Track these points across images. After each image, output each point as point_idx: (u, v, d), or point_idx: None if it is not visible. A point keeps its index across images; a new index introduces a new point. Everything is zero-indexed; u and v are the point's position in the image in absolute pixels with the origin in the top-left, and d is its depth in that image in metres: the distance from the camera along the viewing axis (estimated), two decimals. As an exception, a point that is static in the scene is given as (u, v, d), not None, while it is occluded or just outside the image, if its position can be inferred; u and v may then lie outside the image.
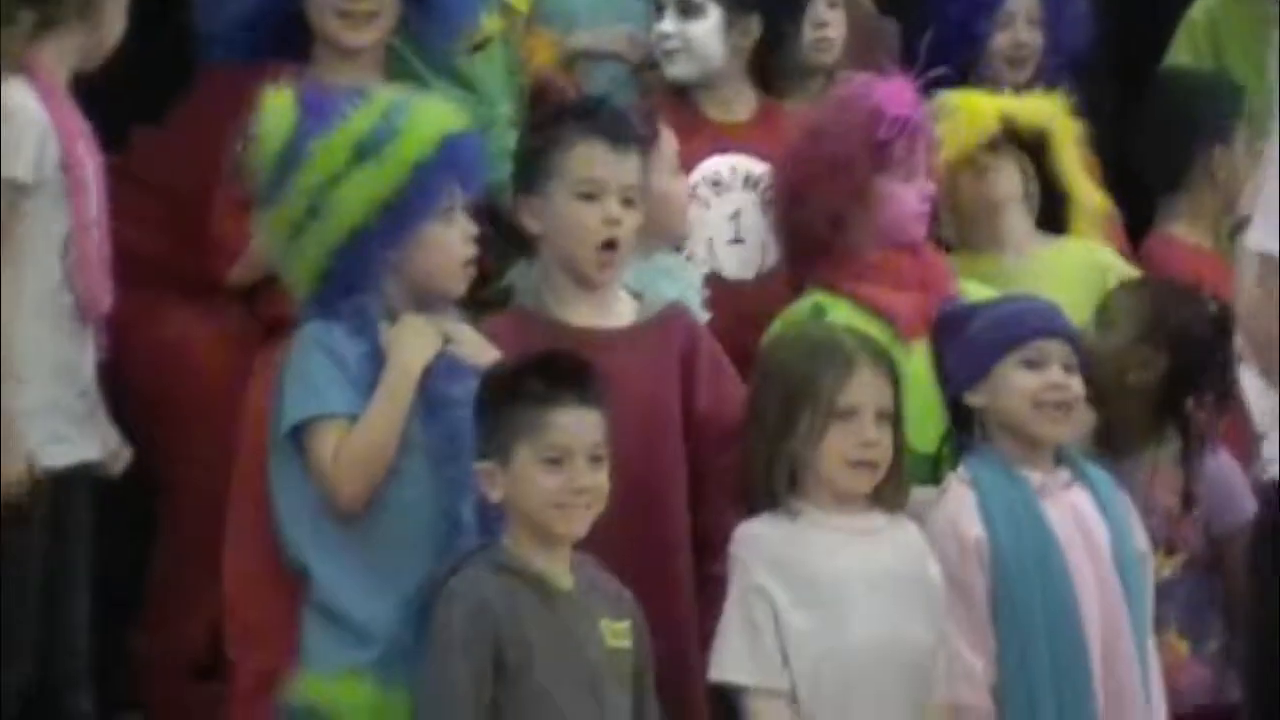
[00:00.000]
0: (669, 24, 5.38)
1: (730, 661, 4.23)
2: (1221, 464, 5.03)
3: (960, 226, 5.50)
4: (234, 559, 4.32)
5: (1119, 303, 5.19)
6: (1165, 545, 4.90)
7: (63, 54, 4.39)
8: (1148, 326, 5.11)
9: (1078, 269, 5.48)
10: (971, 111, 5.49)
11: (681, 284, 4.94)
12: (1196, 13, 6.94)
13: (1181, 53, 6.94)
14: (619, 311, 4.55)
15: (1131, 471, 4.97)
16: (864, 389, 4.25)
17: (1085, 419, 4.86)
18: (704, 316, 4.95)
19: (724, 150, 5.29)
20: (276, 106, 4.19)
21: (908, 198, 5.01)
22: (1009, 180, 5.43)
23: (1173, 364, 5.02)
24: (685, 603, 4.45)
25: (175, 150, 4.95)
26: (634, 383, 4.32)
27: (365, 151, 4.07)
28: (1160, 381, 5.02)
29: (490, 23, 5.21)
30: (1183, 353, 5.04)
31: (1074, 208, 5.60)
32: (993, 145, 5.43)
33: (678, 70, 5.37)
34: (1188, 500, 4.94)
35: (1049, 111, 5.59)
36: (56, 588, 4.47)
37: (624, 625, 4.06)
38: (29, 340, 4.17)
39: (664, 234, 4.92)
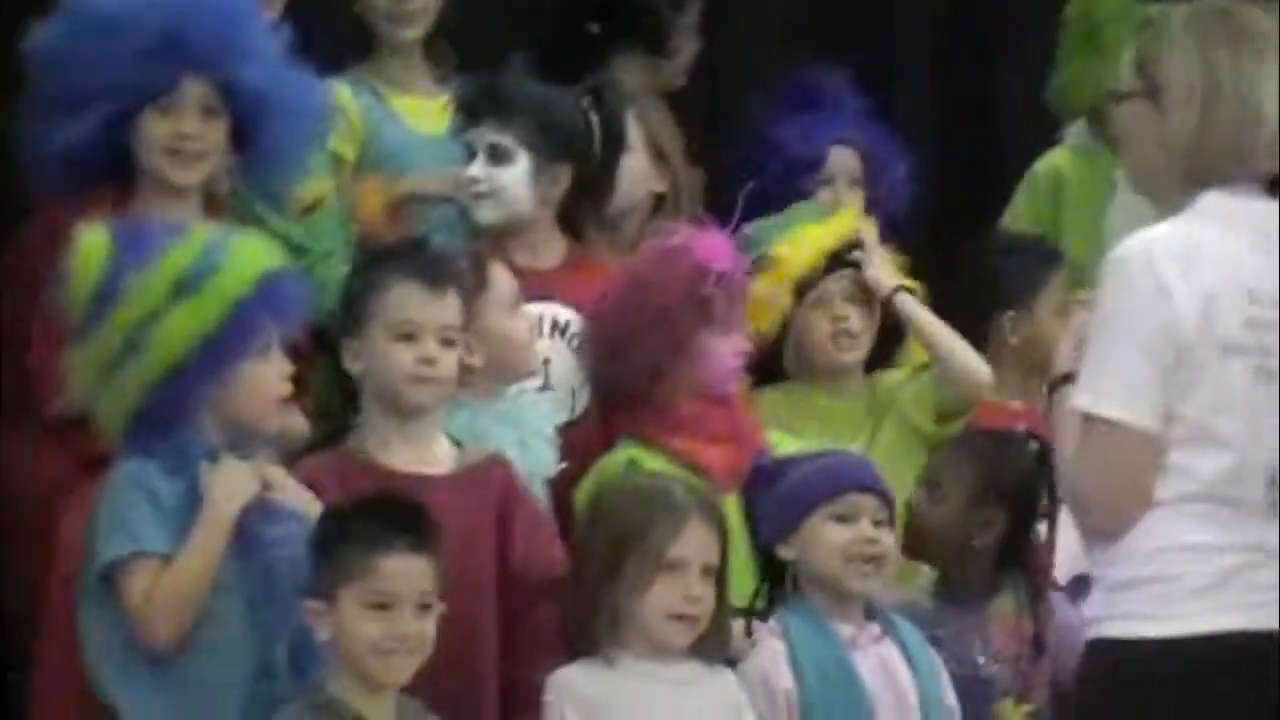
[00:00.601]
0: (478, 169, 5.39)
1: None
2: (1065, 610, 5.06)
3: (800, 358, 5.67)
4: (43, 698, 4.27)
5: (945, 467, 5.24)
6: (1016, 695, 4.95)
7: None
8: (981, 487, 5.17)
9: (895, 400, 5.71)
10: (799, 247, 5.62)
11: (522, 430, 4.98)
12: (1040, 168, 7.05)
13: (1020, 208, 7.06)
14: (439, 457, 4.60)
15: (976, 624, 5.02)
16: (693, 542, 4.31)
17: (894, 571, 4.89)
18: (552, 459, 5.02)
19: (532, 298, 5.26)
20: (90, 242, 4.17)
21: (724, 351, 5.05)
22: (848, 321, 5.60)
23: (1012, 516, 5.08)
24: None
25: (2, 282, 4.99)
26: (450, 531, 4.25)
27: (184, 287, 4.05)
28: (1003, 536, 5.12)
29: (320, 184, 5.24)
30: (1019, 503, 5.12)
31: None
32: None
33: (485, 215, 5.37)
34: (1038, 645, 5.00)
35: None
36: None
37: None
38: None
39: (507, 373, 4.96)
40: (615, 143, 5.64)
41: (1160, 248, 3.89)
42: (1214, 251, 3.86)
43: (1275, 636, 3.80)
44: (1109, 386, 3.88)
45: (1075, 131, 7.04)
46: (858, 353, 5.61)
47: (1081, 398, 3.90)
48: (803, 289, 5.58)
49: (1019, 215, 6.92)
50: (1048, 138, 7.21)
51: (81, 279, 4.13)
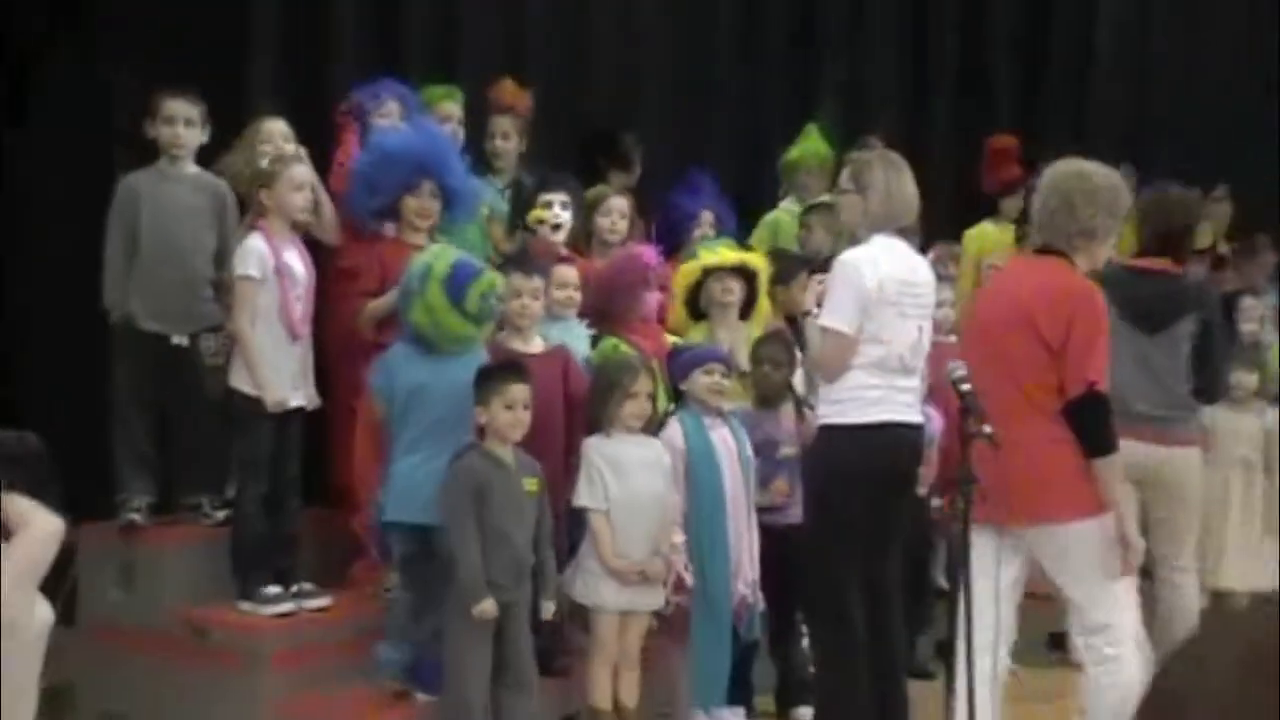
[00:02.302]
0: (556, 214, 7.61)
1: (581, 493, 6.62)
2: (811, 417, 6.96)
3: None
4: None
5: (764, 348, 7.46)
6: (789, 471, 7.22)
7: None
8: (780, 352, 7.43)
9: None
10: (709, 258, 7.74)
11: (572, 335, 7.25)
12: (769, 218, 9.45)
13: (760, 238, 9.34)
14: (536, 346, 6.97)
15: (773, 420, 7.39)
16: (641, 383, 6.75)
17: (732, 396, 7.16)
18: (586, 348, 7.22)
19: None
20: (436, 253, 6.66)
21: (652, 301, 7.62)
22: (730, 292, 7.71)
23: (790, 367, 7.32)
24: (559, 471, 6.70)
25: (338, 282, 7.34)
26: (539, 377, 6.50)
27: (448, 278, 6.51)
28: (786, 377, 7.34)
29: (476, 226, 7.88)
30: (791, 359, 7.35)
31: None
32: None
33: (558, 235, 7.62)
34: (803, 435, 7.14)
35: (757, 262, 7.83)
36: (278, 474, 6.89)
37: (535, 481, 6.35)
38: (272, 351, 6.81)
39: (563, 311, 7.19)
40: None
41: (861, 255, 6.45)
42: (881, 259, 6.41)
43: (904, 423, 6.45)
44: (834, 316, 6.38)
45: (786, 202, 9.60)
46: (733, 305, 7.77)
47: (822, 319, 6.44)
48: (710, 272, 7.78)
49: (761, 241, 9.16)
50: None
51: (423, 279, 6.46)
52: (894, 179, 6.62)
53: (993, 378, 5.72)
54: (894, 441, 6.47)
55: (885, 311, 6.40)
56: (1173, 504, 7.59)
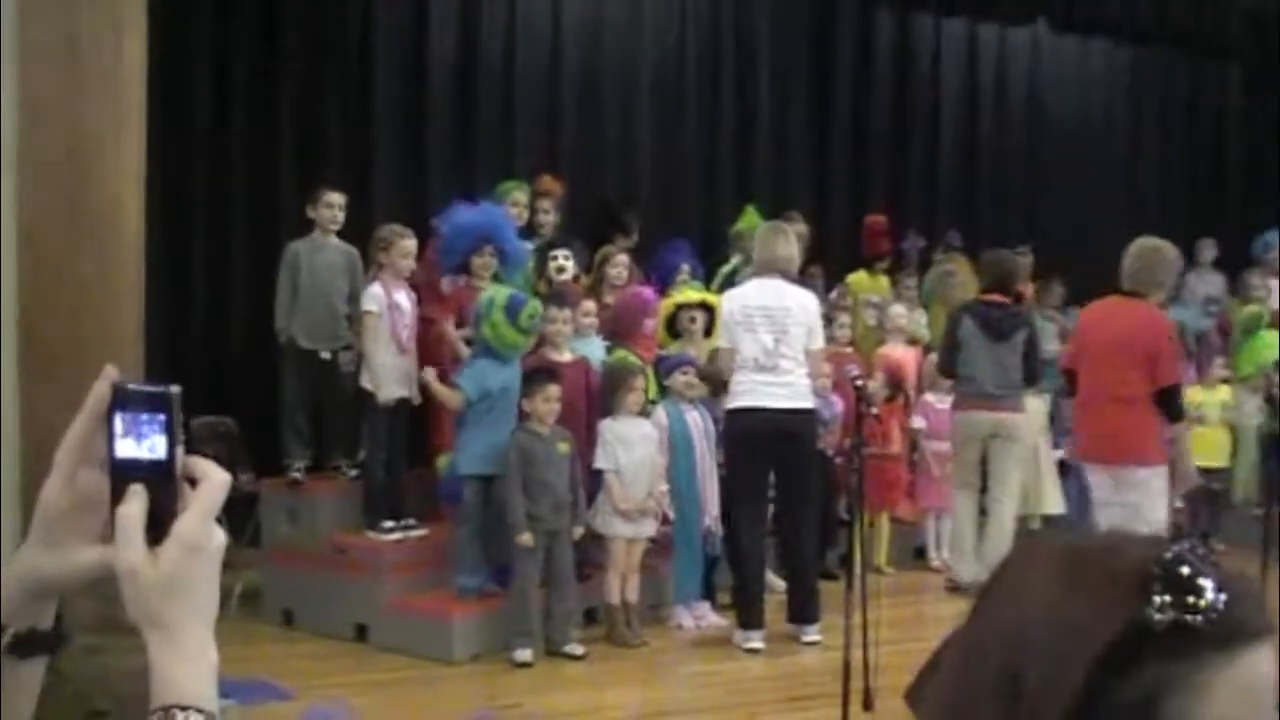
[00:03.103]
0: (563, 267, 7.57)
1: (600, 458, 6.79)
2: None
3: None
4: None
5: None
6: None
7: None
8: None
9: None
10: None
11: (590, 348, 7.19)
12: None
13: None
14: (566, 356, 6.92)
15: (720, 405, 6.99)
16: (639, 380, 6.70)
17: (703, 388, 7.09)
18: (601, 358, 7.10)
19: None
20: (498, 293, 6.61)
21: (650, 324, 7.46)
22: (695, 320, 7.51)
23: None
24: (585, 442, 6.65)
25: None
26: (566, 379, 6.62)
27: (507, 304, 6.39)
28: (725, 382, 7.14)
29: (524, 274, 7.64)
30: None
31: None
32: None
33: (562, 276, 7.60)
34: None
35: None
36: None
37: (567, 445, 6.43)
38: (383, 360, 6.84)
39: (586, 330, 7.12)
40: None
41: (737, 294, 6.71)
42: (740, 295, 6.67)
43: (763, 407, 6.40)
44: (723, 336, 6.63)
45: (735, 259, 8.80)
46: (699, 329, 7.53)
47: (718, 341, 6.79)
48: (681, 306, 7.67)
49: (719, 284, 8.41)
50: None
51: (489, 308, 6.44)
52: (767, 241, 6.79)
53: (1108, 375, 6.14)
54: (755, 419, 6.48)
55: (737, 329, 6.56)
56: (1006, 453, 7.77)
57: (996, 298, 7.89)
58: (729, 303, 6.65)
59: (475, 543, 6.49)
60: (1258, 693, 0.93)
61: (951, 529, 8.06)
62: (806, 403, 6.56)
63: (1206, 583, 0.93)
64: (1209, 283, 11.34)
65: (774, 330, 6.49)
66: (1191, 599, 0.92)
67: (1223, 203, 13.01)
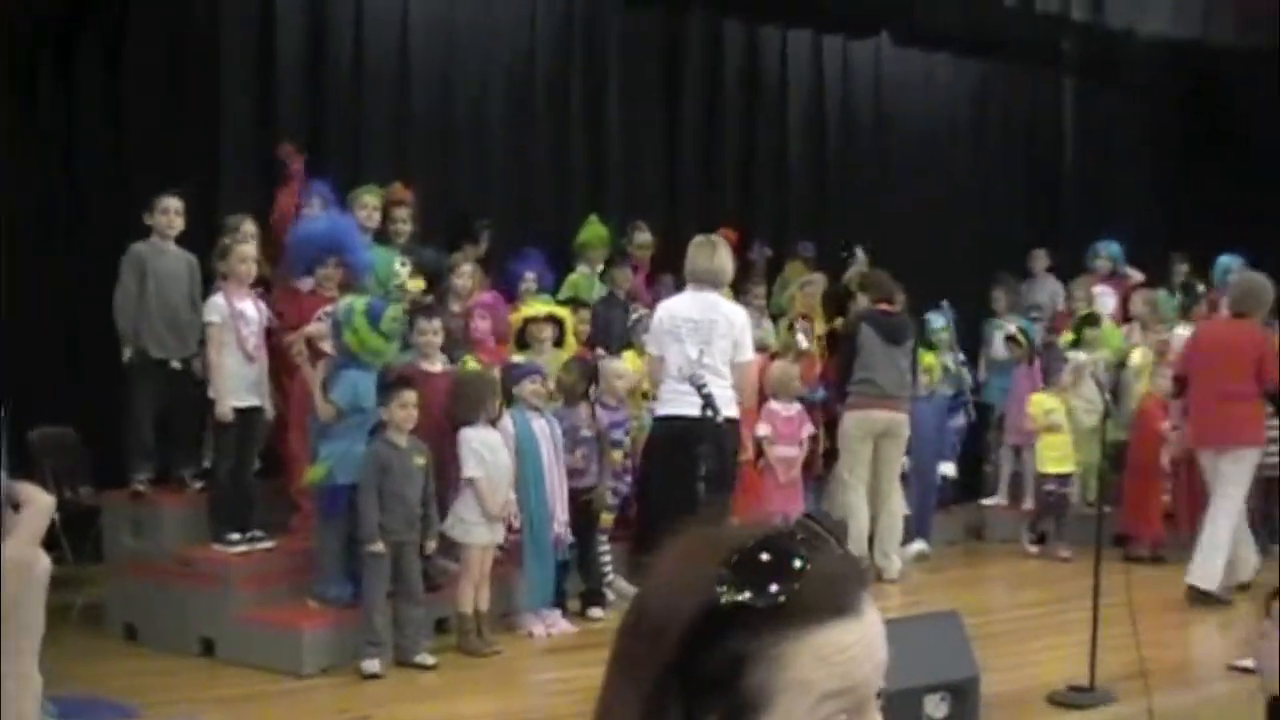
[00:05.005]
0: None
1: (469, 467, 6.83)
2: None
3: None
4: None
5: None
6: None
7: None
8: None
9: None
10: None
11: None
12: (569, 279, 8.93)
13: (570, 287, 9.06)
14: (439, 365, 6.89)
15: (570, 414, 7.28)
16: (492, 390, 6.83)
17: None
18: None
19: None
20: (354, 301, 6.43)
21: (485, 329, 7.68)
22: (543, 330, 7.65)
23: None
24: (444, 449, 6.54)
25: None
26: (440, 390, 6.70)
27: (368, 310, 6.23)
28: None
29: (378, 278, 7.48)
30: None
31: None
32: None
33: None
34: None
35: None
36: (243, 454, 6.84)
37: (423, 459, 6.35)
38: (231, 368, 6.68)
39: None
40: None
41: (668, 304, 6.85)
42: (671, 305, 6.80)
43: (682, 415, 6.32)
44: (652, 344, 6.88)
45: (581, 268, 9.12)
46: (547, 340, 7.62)
47: (648, 349, 7.01)
48: (529, 320, 7.79)
49: (566, 292, 8.81)
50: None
51: (349, 315, 6.30)
52: (698, 255, 6.95)
53: (1222, 379, 7.60)
54: (675, 427, 6.49)
55: (666, 338, 6.71)
56: (894, 449, 8.46)
57: (886, 306, 8.53)
58: (660, 312, 6.83)
59: (344, 552, 6.43)
60: (837, 659, 1.02)
61: (853, 527, 8.18)
62: (728, 412, 6.49)
63: (792, 566, 1.01)
64: (1041, 290, 11.64)
65: (700, 341, 6.60)
66: (760, 583, 1.01)
67: (1057, 212, 13.33)
